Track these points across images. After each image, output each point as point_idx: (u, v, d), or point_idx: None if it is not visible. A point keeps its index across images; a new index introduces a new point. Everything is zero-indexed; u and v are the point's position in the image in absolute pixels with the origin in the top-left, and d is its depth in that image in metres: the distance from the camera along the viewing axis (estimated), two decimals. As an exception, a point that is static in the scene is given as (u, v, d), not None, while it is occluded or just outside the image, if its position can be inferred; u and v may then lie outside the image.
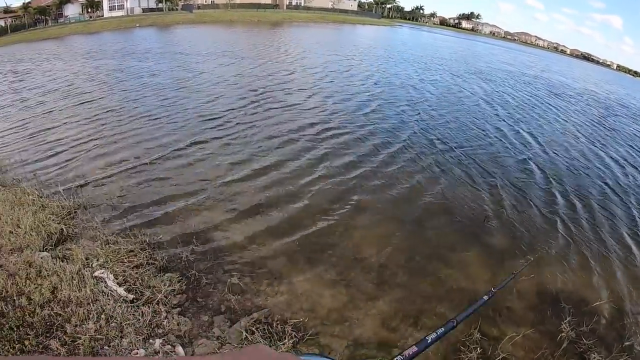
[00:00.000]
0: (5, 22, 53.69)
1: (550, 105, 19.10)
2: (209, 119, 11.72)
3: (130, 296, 4.41)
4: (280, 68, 21.28)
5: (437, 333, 1.09)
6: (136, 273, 4.83)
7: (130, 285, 4.62)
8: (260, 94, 15.13)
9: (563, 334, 4.72)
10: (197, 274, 5.14)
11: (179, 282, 4.89)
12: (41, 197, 6.78)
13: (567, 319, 4.93)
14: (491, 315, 4.82)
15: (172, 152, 9.25)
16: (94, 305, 4.11)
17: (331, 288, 5.12)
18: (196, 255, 5.58)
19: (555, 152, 11.59)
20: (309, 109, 13.28)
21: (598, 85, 38.74)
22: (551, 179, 9.41)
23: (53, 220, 5.86)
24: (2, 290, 4.23)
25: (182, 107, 13.08)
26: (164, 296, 4.53)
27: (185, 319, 4.34)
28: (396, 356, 0.91)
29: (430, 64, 28.45)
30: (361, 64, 25.22)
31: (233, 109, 12.81)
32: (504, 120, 14.38)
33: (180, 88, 15.93)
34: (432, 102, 15.70)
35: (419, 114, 13.81)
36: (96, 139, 10.10)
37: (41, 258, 4.84)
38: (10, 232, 5.46)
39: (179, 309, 4.49)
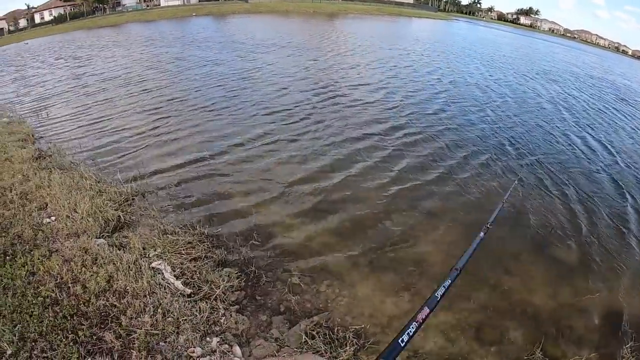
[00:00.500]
0: (65, 10, 55.59)
1: (618, 110, 17.71)
2: (275, 112, 11.36)
3: (188, 290, 4.21)
4: (343, 61, 20.81)
5: (444, 287, 1.00)
6: (194, 266, 4.62)
7: (188, 279, 4.41)
8: (324, 87, 14.69)
9: (624, 359, 4.30)
10: (256, 270, 4.90)
11: (237, 278, 4.64)
12: (99, 182, 6.73)
13: (629, 344, 4.47)
14: (554, 334, 4.48)
15: (234, 145, 8.97)
16: (150, 298, 3.94)
17: (393, 294, 4.81)
18: (256, 252, 5.33)
19: (628, 163, 10.65)
20: (375, 105, 12.73)
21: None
22: (626, 193, 8.46)
23: (110, 206, 5.75)
24: (57, 277, 4.10)
25: (246, 99, 12.78)
26: (222, 292, 4.30)
27: (244, 318, 4.12)
28: (410, 324, 0.83)
29: (493, 61, 27.05)
30: (423, 58, 24.34)
31: (299, 103, 12.39)
32: (572, 126, 13.29)
33: (244, 79, 15.68)
34: (499, 103, 14.77)
35: (487, 114, 13.02)
36: (157, 128, 10.04)
37: (97, 245, 4.69)
38: (67, 216, 5.37)
39: (237, 306, 4.26)
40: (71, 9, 56.35)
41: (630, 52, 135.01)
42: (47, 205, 5.74)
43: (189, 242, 5.08)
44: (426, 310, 0.93)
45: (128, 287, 4.00)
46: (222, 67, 18.12)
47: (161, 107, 11.75)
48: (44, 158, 7.93)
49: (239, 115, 11.09)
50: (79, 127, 10.41)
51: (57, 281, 4.03)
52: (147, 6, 61.58)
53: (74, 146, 8.81)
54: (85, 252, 4.52)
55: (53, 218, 5.37)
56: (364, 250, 5.59)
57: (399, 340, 0.79)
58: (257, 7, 59.57)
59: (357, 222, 6.31)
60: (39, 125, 10.69)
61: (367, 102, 12.91)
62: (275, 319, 4.20)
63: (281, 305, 4.41)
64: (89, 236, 4.89)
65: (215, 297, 4.20)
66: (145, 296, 3.96)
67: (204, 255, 4.90)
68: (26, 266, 4.23)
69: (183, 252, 4.85)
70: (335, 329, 4.11)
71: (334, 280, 4.89)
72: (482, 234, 1.42)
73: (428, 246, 5.85)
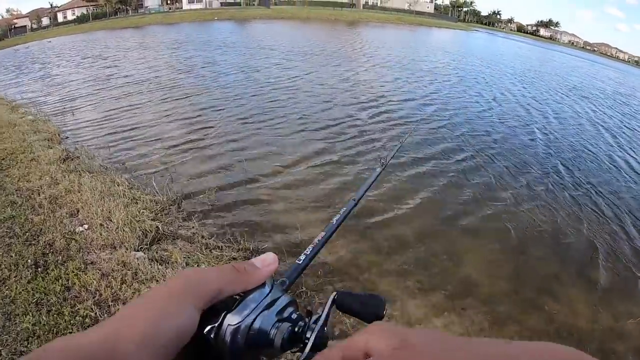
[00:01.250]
0: (87, 10, 56.08)
1: None
2: (321, 129, 10.62)
3: None
4: (381, 73, 20.08)
5: (340, 214, 0.98)
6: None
7: (236, 300, 3.98)
8: (369, 101, 13.90)
9: None
10: (307, 291, 4.54)
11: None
12: (131, 188, 6.35)
13: None
14: (600, 358, 4.01)
15: (274, 160, 8.48)
16: None
17: (444, 316, 4.63)
18: (305, 270, 4.89)
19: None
20: (425, 123, 12.08)
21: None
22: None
23: (147, 216, 5.35)
24: (95, 293, 3.70)
25: (288, 111, 12.08)
26: None
27: None
28: (308, 247, 0.83)
29: (525, 76, 26.11)
30: (459, 72, 23.55)
31: (346, 119, 11.64)
32: (613, 145, 12.93)
33: (283, 88, 15.01)
34: (544, 123, 14.08)
35: (536, 136, 12.38)
36: (192, 137, 9.55)
37: (137, 258, 4.30)
38: (101, 225, 4.99)
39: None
40: (94, 9, 56.92)
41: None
42: (78, 211, 5.37)
43: (234, 259, 4.68)
44: (322, 234, 0.88)
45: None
46: (259, 74, 17.52)
47: (196, 116, 11.20)
48: (72, 160, 7.56)
49: (282, 129, 10.36)
50: (107, 129, 9.99)
51: (96, 298, 3.65)
52: (170, 9, 62.03)
53: (102, 148, 8.47)
54: (124, 265, 4.13)
55: (86, 226, 4.99)
56: (409, 268, 5.36)
57: (297, 261, 0.77)
58: (278, 13, 59.63)
59: (400, 239, 6.04)
60: (64, 125, 10.28)
61: (417, 120, 12.29)
62: (330, 343, 3.78)
63: (336, 328, 4.03)
64: (127, 248, 4.49)
65: None
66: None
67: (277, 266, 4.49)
68: (60, 280, 3.85)
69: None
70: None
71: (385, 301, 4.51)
72: (378, 169, 1.36)
73: (469, 265, 5.70)
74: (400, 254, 5.66)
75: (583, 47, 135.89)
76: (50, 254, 4.30)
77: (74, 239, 4.65)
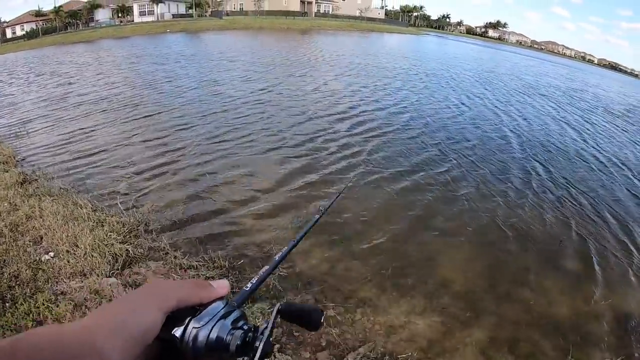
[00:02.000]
0: (37, 25, 54.48)
1: (615, 125, 18.07)
2: (297, 145, 10.22)
3: None
4: (350, 82, 19.89)
5: (282, 252, 1.05)
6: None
7: (217, 320, 3.89)
8: (344, 112, 13.78)
9: None
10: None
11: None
12: (95, 210, 6.11)
13: None
14: (578, 341, 4.62)
15: (243, 172, 8.37)
16: None
17: (425, 317, 4.72)
18: (283, 283, 4.93)
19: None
20: (399, 132, 12.13)
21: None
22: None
23: (115, 239, 5.16)
24: (70, 327, 3.53)
25: (261, 126, 11.66)
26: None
27: (287, 357, 3.79)
28: (252, 279, 0.87)
29: (485, 79, 26.79)
30: (423, 77, 23.94)
31: (323, 132, 11.42)
32: (578, 140, 13.63)
33: (252, 103, 14.48)
34: (514, 124, 14.54)
35: (508, 136, 12.87)
36: (157, 150, 9.40)
37: (109, 285, 4.15)
38: (68, 251, 4.79)
39: (277, 345, 3.92)
40: (43, 24, 55.17)
41: (595, 61, 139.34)
42: (42, 238, 5.14)
43: (211, 278, 4.56)
44: (265, 268, 0.94)
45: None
46: (225, 87, 17.15)
47: (161, 132, 10.86)
48: (30, 183, 7.25)
49: (254, 147, 9.95)
50: (66, 149, 9.56)
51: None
52: (121, 22, 60.78)
53: (62, 170, 8.12)
54: (97, 294, 3.97)
55: (52, 254, 4.78)
56: (386, 273, 5.42)
57: (244, 288, 0.82)
58: (231, 24, 59.20)
59: (375, 243, 6.11)
60: (20, 147, 9.78)
61: (393, 130, 12.27)
62: (320, 355, 3.95)
63: (322, 339, 4.12)
64: (98, 275, 4.32)
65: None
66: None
67: (230, 291, 4.40)
68: (31, 314, 3.66)
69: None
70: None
71: (367, 308, 4.71)
72: (317, 216, 1.43)
73: (443, 263, 5.88)
74: (375, 259, 5.71)
75: (531, 46, 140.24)
76: (17, 287, 4.08)
77: (40, 268, 4.44)
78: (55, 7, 56.43)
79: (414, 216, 7.13)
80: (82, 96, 15.51)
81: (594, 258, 6.46)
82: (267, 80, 19.05)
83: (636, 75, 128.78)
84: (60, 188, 7.12)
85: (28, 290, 4.04)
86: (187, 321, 0.65)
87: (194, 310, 0.67)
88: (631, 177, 10.74)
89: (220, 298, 0.72)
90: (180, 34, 47.09)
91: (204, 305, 0.69)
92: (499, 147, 11.52)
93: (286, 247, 1.11)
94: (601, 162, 11.56)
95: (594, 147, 13.02)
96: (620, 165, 11.56)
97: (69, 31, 53.85)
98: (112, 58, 27.00)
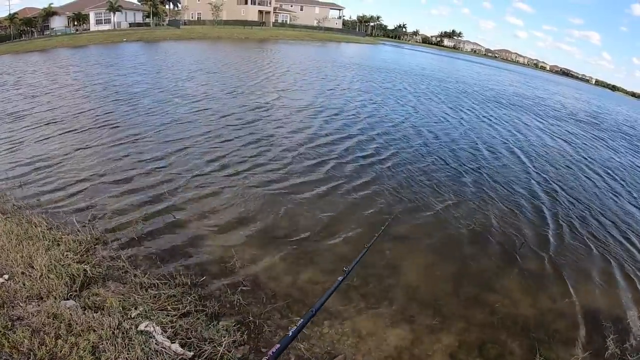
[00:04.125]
0: (-10, 33, 52.52)
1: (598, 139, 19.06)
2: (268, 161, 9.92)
3: (189, 353, 3.69)
4: (341, 96, 19.77)
5: (297, 325, 1.08)
6: (186, 323, 4.10)
7: (183, 339, 3.88)
8: (320, 128, 13.43)
9: (609, 351, 4.82)
10: (256, 320, 4.52)
11: (238, 331, 4.22)
12: (51, 228, 5.94)
13: (611, 336, 5.05)
14: (546, 339, 4.83)
15: (201, 185, 8.27)
16: None
17: (393, 325, 4.81)
18: (248, 298, 4.93)
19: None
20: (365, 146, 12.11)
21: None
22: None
23: (71, 258, 5.04)
24: (29, 354, 3.43)
25: (236, 135, 11.70)
26: (227, 350, 3.84)
27: None
28: (263, 358, 0.87)
29: (450, 93, 26.27)
30: (388, 90, 23.62)
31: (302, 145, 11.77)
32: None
33: (222, 116, 14.04)
34: (500, 142, 14.53)
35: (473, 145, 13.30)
36: (111, 164, 9.16)
37: (68, 308, 4.04)
38: (23, 273, 4.66)
39: None
40: (-3, 32, 53.28)
41: (548, 67, 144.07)
42: (-5, 260, 4.99)
43: (173, 296, 4.54)
44: (277, 346, 0.98)
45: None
46: (205, 103, 16.10)
47: (116, 144, 10.58)
48: (-20, 202, 7.04)
49: (213, 161, 9.64)
50: (18, 164, 9.23)
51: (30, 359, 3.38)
52: (77, 30, 59.24)
53: (14, 185, 7.92)
54: (55, 318, 3.86)
55: (6, 276, 4.63)
56: (351, 282, 5.44)
57: None
58: (189, 33, 58.50)
59: (337, 254, 6.17)
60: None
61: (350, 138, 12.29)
62: None
63: (291, 354, 4.09)
64: (55, 298, 4.21)
65: (221, 356, 3.74)
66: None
67: (193, 309, 4.41)
68: (-14, 342, 3.54)
69: (169, 308, 4.29)
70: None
71: (334, 320, 4.76)
72: (340, 278, 1.48)
73: (407, 270, 5.99)
74: (339, 270, 5.61)
75: (485, 54, 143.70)
76: (-31, 313, 3.94)
77: (-6, 292, 4.30)
78: (9, 14, 54.51)
79: (370, 224, 7.15)
80: (34, 108, 14.94)
81: (554, 258, 6.74)
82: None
83: (587, 80, 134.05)
84: (14, 205, 6.91)
85: (-17, 316, 3.91)
86: None
87: None
88: (596, 177, 11.62)
89: None
90: (137, 43, 46.13)
91: None
92: (457, 153, 11.94)
93: (302, 320, 1.10)
94: (571, 164, 12.47)
95: (568, 154, 13.92)
96: (588, 169, 12.44)
97: (23, 39, 52.14)
98: (65, 68, 26.16)
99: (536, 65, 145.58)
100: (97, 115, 13.44)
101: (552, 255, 6.83)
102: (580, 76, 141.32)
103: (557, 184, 10.58)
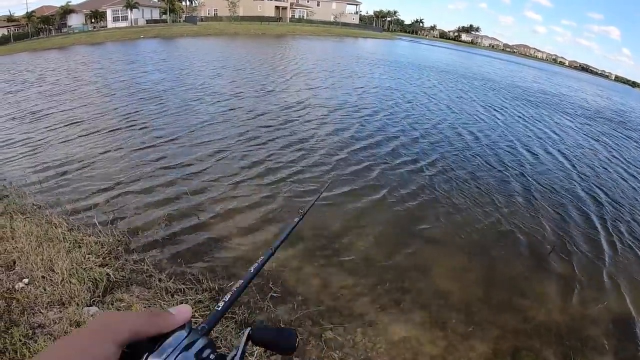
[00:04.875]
0: (9, 31, 53.09)
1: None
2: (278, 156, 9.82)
3: None
4: (383, 96, 19.21)
5: (257, 262, 1.01)
6: (214, 331, 3.83)
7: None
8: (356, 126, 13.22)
9: None
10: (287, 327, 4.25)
11: None
12: (72, 229, 5.74)
13: None
14: (579, 346, 4.68)
15: (222, 184, 8.06)
16: None
17: (426, 332, 4.65)
18: (278, 305, 4.72)
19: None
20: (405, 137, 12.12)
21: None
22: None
23: (93, 261, 4.84)
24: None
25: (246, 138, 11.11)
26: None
27: None
28: (226, 294, 0.81)
29: (478, 89, 26.30)
30: (419, 88, 23.07)
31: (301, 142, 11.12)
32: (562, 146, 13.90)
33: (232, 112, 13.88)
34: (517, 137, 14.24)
35: (489, 143, 12.85)
36: (134, 163, 8.95)
37: (91, 315, 3.84)
38: (43, 277, 4.46)
39: None
40: (15, 30, 53.79)
41: (567, 63, 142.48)
42: (14, 263, 4.77)
43: (200, 302, 4.33)
44: (240, 282, 0.84)
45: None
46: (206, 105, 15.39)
47: (138, 145, 10.23)
48: (1, 199, 6.87)
49: (236, 160, 9.43)
50: (38, 161, 9.11)
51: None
52: (94, 27, 59.69)
53: (34, 184, 7.76)
54: (78, 325, 3.65)
55: (26, 281, 4.43)
56: (382, 288, 5.31)
57: (216, 307, 0.78)
58: (206, 30, 58.59)
59: (367, 258, 5.95)
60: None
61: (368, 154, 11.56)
62: None
63: None
64: (78, 304, 4.00)
65: None
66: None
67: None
68: (7, 353, 3.33)
69: (197, 315, 4.05)
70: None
71: (367, 327, 4.57)
72: (297, 219, 1.37)
73: (438, 274, 5.81)
74: (369, 274, 5.57)
75: (503, 49, 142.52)
76: (-11, 320, 3.75)
77: (14, 298, 4.10)
78: (27, 13, 55.10)
79: (402, 227, 7.00)
80: (56, 107, 14.81)
81: (584, 262, 6.51)
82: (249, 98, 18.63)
83: (606, 76, 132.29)
84: (33, 204, 6.75)
85: (2, 324, 3.70)
86: (144, 357, 0.58)
87: (152, 343, 0.60)
88: (632, 179, 11.33)
89: (183, 325, 0.66)
90: (154, 40, 46.23)
91: (163, 336, 0.61)
92: (487, 155, 11.52)
93: (262, 257, 1.03)
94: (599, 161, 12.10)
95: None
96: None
97: (41, 37, 52.62)
98: (86, 65, 26.18)
99: (555, 60, 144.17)
100: (122, 115, 13.16)
101: (583, 260, 6.61)
102: (599, 72, 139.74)
103: (596, 186, 10.22)
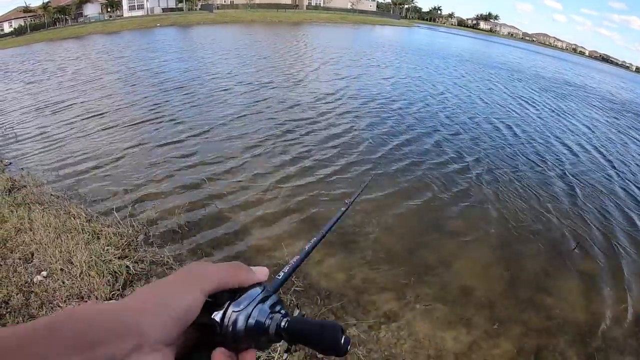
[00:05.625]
0: (25, 22, 53.58)
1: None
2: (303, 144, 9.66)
3: None
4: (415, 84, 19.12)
5: (311, 242, 1.00)
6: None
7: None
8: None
9: None
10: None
11: None
12: (90, 220, 5.66)
13: None
14: (603, 347, 4.54)
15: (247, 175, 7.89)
16: None
17: (450, 328, 4.53)
18: (301, 299, 4.64)
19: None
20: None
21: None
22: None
23: (112, 253, 4.73)
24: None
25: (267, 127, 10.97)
26: (280, 356, 3.56)
27: None
28: (283, 268, 0.81)
29: (507, 80, 25.61)
30: (445, 77, 22.97)
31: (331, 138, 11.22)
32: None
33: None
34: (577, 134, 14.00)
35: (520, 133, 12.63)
36: (151, 153, 8.84)
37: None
38: (62, 270, 4.37)
39: None
40: (31, 20, 54.25)
41: (587, 53, 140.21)
42: (32, 255, 4.71)
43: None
44: (297, 257, 0.87)
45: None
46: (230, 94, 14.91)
47: (156, 136, 10.06)
48: (19, 189, 6.80)
49: (258, 150, 9.18)
50: (56, 152, 9.08)
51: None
52: (110, 17, 59.94)
53: (51, 174, 7.73)
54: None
55: (44, 274, 4.35)
56: (407, 281, 5.21)
57: (277, 276, 0.75)
58: (222, 17, 58.52)
59: (391, 252, 5.82)
60: (8, 150, 9.34)
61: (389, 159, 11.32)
62: None
63: None
64: (97, 297, 3.91)
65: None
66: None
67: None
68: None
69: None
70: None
71: (390, 323, 4.48)
72: (343, 208, 1.30)
73: (461, 269, 5.68)
74: (393, 268, 5.46)
75: (522, 38, 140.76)
76: (8, 315, 3.67)
77: (32, 291, 4.02)
78: (43, 3, 55.52)
79: (426, 220, 6.83)
80: (78, 97, 14.71)
81: (609, 260, 6.30)
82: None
83: (627, 67, 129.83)
84: (51, 195, 6.67)
85: (21, 318, 3.62)
86: (226, 305, 0.62)
87: (232, 294, 0.63)
88: None
89: (258, 284, 0.68)
90: (171, 28, 46.30)
91: (242, 290, 0.65)
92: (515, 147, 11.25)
93: (315, 238, 1.03)
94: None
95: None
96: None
97: (57, 27, 52.98)
98: (107, 54, 26.19)
99: (575, 50, 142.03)
100: (147, 107, 12.90)
101: (608, 258, 6.38)
102: (620, 63, 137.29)
103: (631, 182, 9.89)
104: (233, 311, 0.61)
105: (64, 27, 51.95)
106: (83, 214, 5.80)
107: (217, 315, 0.60)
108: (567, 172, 9.72)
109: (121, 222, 5.65)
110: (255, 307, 0.63)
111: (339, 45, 33.66)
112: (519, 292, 5.31)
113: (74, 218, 5.58)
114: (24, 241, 4.93)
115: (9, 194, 6.50)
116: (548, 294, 5.33)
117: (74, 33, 43.67)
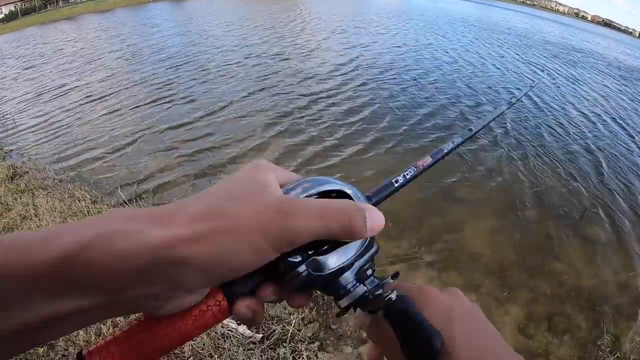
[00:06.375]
0: (15, 7, 52.93)
1: None
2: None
3: (258, 335, 3.37)
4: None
5: (453, 142, 0.80)
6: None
7: (250, 320, 3.45)
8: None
9: None
10: (324, 295, 3.97)
11: (306, 307, 3.85)
12: (95, 202, 5.60)
13: None
14: (610, 313, 4.56)
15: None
16: (218, 357, 3.07)
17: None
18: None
19: None
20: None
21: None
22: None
23: (119, 237, 4.61)
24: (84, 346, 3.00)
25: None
26: (296, 329, 3.52)
27: (330, 356, 3.48)
28: (410, 168, 0.72)
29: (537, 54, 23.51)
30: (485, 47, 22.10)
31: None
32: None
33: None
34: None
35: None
36: (156, 130, 8.61)
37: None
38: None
39: (317, 343, 3.56)
40: (22, 5, 53.60)
41: (589, 18, 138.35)
42: (40, 243, 4.59)
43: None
44: (429, 159, 0.71)
45: (184, 347, 3.08)
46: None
47: (161, 113, 9.72)
48: (21, 176, 6.69)
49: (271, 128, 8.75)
50: (57, 135, 8.88)
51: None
52: (102, -6, 59.15)
53: (52, 158, 7.62)
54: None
55: (51, 260, 4.24)
56: (419, 248, 5.19)
57: (393, 180, 0.64)
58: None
59: (398, 220, 5.68)
60: (7, 138, 9.17)
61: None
62: (362, 349, 3.63)
63: (362, 331, 3.73)
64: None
65: (291, 336, 3.42)
66: (211, 356, 3.08)
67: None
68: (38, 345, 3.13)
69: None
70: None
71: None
72: (504, 107, 1.07)
73: (471, 235, 5.67)
74: (401, 234, 5.45)
75: (523, 2, 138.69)
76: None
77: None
78: (33, -15, 54.87)
79: (432, 186, 6.69)
80: (79, 79, 14.27)
81: (617, 227, 6.22)
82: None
83: (630, 33, 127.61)
84: (54, 179, 6.58)
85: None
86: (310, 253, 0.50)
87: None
88: None
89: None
90: (164, 3, 45.54)
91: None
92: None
93: (460, 137, 0.83)
94: None
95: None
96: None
97: (48, 9, 52.34)
98: (104, 32, 25.78)
99: (577, 14, 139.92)
100: (155, 84, 12.40)
101: (616, 225, 6.27)
102: (623, 28, 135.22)
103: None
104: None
105: (55, 9, 51.32)
106: (87, 195, 5.74)
107: (295, 264, 0.49)
108: (587, 142, 9.47)
109: (127, 202, 5.57)
110: (354, 261, 0.52)
111: (343, 13, 32.70)
112: (527, 258, 5.31)
113: (78, 201, 5.51)
114: (29, 228, 4.83)
115: (11, 181, 6.41)
116: (557, 260, 5.34)
117: (66, 14, 43.04)
